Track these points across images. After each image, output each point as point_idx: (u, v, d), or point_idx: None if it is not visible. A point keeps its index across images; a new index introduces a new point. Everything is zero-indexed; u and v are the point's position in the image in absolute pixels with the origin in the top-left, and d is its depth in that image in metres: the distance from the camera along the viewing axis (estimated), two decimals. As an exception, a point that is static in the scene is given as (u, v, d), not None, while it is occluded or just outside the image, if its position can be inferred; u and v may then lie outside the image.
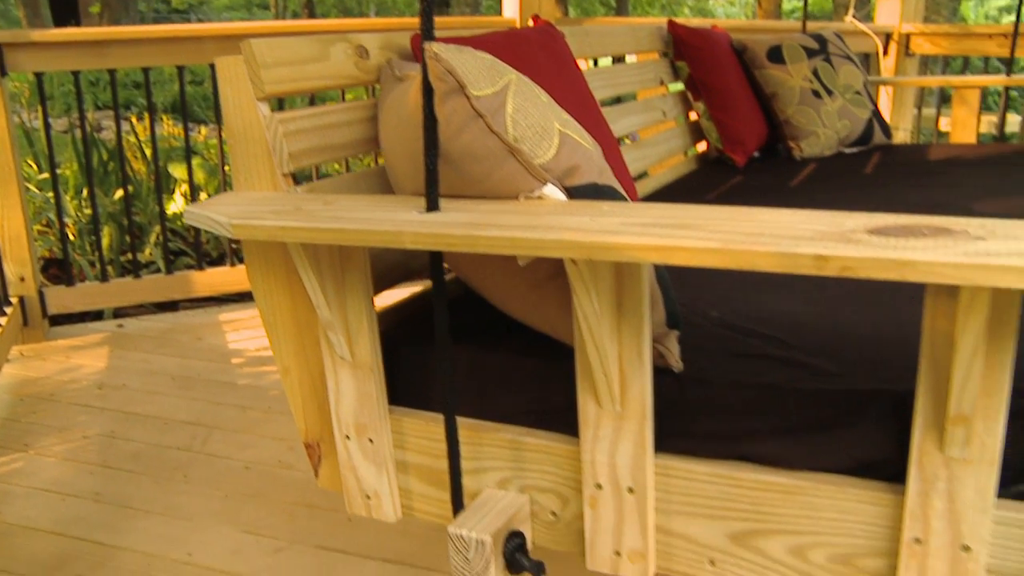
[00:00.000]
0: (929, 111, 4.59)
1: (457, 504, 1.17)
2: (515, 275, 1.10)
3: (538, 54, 1.53)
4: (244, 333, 3.29)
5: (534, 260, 1.06)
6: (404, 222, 0.99)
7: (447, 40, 1.36)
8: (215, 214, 1.12)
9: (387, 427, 1.24)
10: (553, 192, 1.02)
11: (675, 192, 2.30)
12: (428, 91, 1.01)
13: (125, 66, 3.14)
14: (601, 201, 1.03)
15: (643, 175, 2.60)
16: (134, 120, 6.29)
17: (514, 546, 1.11)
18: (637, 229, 0.85)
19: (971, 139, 3.51)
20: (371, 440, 1.25)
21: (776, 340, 1.16)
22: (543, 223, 0.91)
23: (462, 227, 0.93)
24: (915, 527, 0.98)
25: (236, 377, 2.91)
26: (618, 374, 1.02)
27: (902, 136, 4.01)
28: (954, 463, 0.94)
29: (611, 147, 1.57)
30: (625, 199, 1.08)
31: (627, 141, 2.56)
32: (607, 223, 0.89)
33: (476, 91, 1.00)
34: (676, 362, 1.07)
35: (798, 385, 1.05)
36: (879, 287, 1.35)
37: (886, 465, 1.01)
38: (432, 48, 1.00)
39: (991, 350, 0.87)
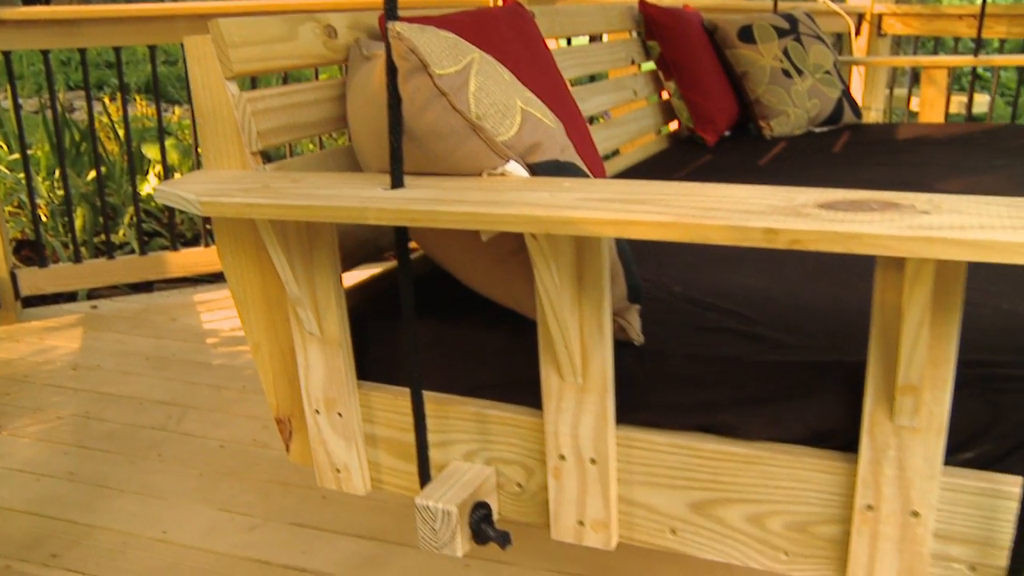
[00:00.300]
0: (901, 91, 4.64)
1: (424, 476, 1.19)
2: (479, 251, 1.12)
3: (506, 33, 1.55)
4: (219, 313, 3.30)
5: (497, 235, 1.08)
6: (369, 198, 1.00)
7: (413, 20, 1.37)
8: (184, 192, 1.13)
9: (356, 401, 1.26)
10: (516, 169, 1.04)
11: (645, 170, 2.32)
12: (392, 70, 1.02)
13: (96, 45, 3.12)
14: (562, 177, 1.04)
15: (614, 153, 2.62)
16: (107, 100, 6.24)
17: (480, 517, 1.13)
18: (594, 204, 0.87)
19: (939, 118, 3.55)
20: (340, 414, 1.27)
21: (736, 314, 1.19)
22: (504, 199, 0.93)
23: (425, 203, 0.95)
24: (867, 494, 1.01)
25: (211, 357, 2.92)
26: (579, 347, 1.04)
27: (874, 116, 4.04)
28: (903, 432, 0.97)
29: (579, 126, 1.58)
30: (587, 175, 1.10)
31: (601, 120, 2.58)
32: (566, 198, 0.91)
33: (439, 70, 1.01)
34: (637, 335, 1.09)
35: (756, 357, 1.07)
36: (839, 263, 1.38)
37: (840, 434, 1.04)
38: (395, 27, 1.02)
39: (937, 321, 0.90)
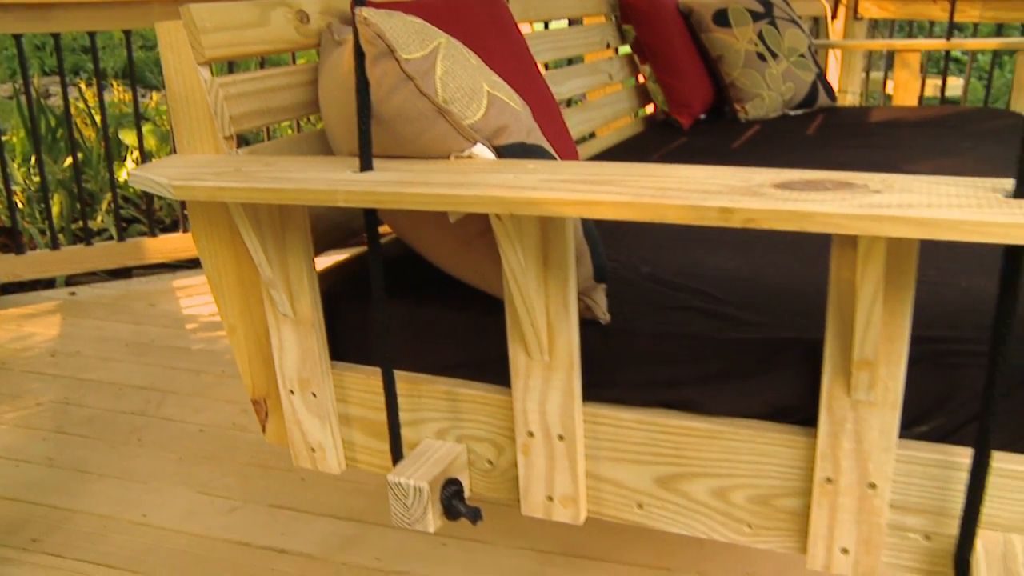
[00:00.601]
0: (877, 74, 4.67)
1: (396, 454, 1.21)
2: (448, 232, 1.14)
3: (477, 17, 1.56)
4: (198, 299, 3.30)
5: (464, 217, 1.10)
6: (338, 181, 1.02)
7: (382, 5, 1.38)
8: (157, 176, 1.15)
9: (329, 381, 1.28)
10: (482, 151, 1.06)
11: (620, 153, 2.35)
12: (360, 55, 1.04)
13: (69, 30, 3.11)
14: (527, 159, 1.06)
15: (590, 136, 2.64)
16: (83, 86, 6.19)
17: (451, 493, 1.15)
18: (556, 185, 0.89)
19: (913, 101, 3.58)
20: (314, 394, 1.28)
21: (702, 293, 1.21)
22: (469, 180, 0.95)
23: (392, 185, 0.97)
24: (826, 467, 1.04)
25: (190, 342, 2.93)
26: (545, 326, 1.06)
27: (850, 99, 4.07)
28: (860, 406, 1.00)
29: (551, 109, 1.60)
30: (553, 157, 1.12)
31: (580, 104, 2.59)
32: (530, 180, 0.93)
33: (406, 55, 1.03)
34: (603, 314, 1.12)
35: (719, 335, 1.10)
36: (805, 242, 1.41)
37: (800, 410, 1.07)
38: (362, 13, 1.03)
39: (890, 298, 0.93)
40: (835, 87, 3.75)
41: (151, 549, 1.87)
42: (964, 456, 1.00)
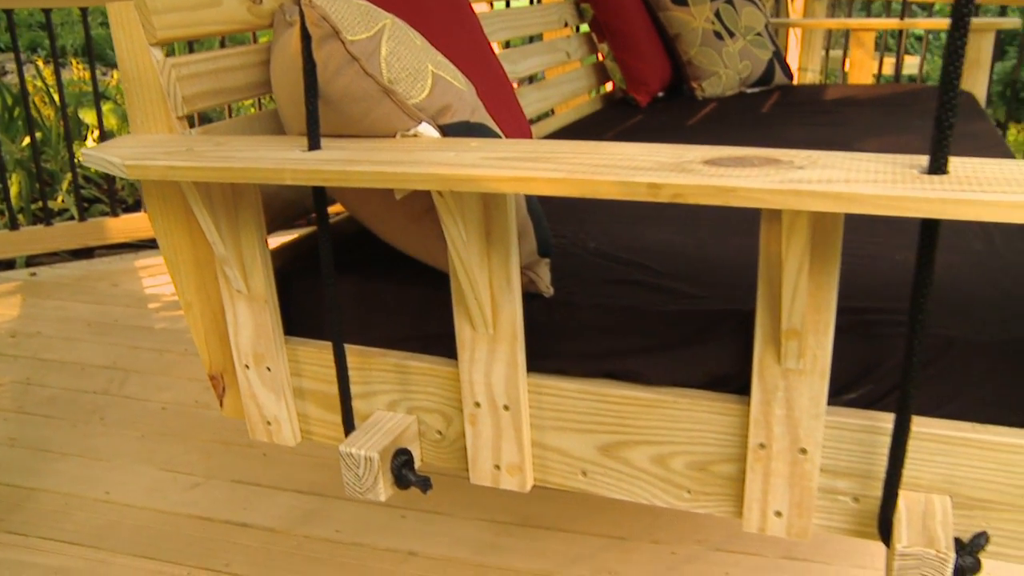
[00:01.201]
0: (837, 52, 4.73)
1: (348, 426, 1.24)
2: (395, 209, 1.17)
3: (430, -3, 1.58)
4: (161, 278, 3.30)
5: (410, 194, 1.13)
6: (286, 160, 1.04)
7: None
8: (110, 155, 1.16)
9: (283, 356, 1.31)
10: (427, 130, 1.09)
11: (576, 131, 2.38)
12: (306, 37, 1.06)
13: (21, 6, 3.08)
14: (471, 138, 1.09)
15: (548, 114, 2.67)
16: (40, 64, 6.11)
17: (401, 463, 1.19)
18: (495, 162, 0.93)
19: (868, 80, 3.64)
20: (269, 369, 1.31)
21: (645, 267, 1.25)
22: (412, 158, 0.98)
23: (337, 163, 0.99)
24: (759, 433, 1.08)
25: (153, 321, 2.94)
26: (489, 299, 1.10)
27: (810, 77, 4.12)
28: (790, 374, 1.04)
29: (502, 87, 1.63)
30: (497, 135, 1.15)
31: (542, 79, 2.62)
32: (471, 157, 0.96)
33: (351, 36, 1.05)
34: (546, 288, 1.15)
35: (659, 308, 1.14)
36: (752, 220, 1.45)
37: (735, 378, 1.11)
38: (308, -7, 1.05)
39: (816, 270, 0.97)
40: (796, 65, 3.80)
41: (114, 525, 1.89)
42: (889, 422, 1.05)
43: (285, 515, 1.91)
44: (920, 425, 1.04)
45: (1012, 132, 5.78)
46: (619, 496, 1.20)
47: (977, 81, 3.16)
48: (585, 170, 0.88)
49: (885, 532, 1.06)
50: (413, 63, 1.09)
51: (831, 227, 0.95)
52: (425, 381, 1.23)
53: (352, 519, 1.88)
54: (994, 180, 0.84)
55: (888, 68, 4.37)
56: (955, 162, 0.89)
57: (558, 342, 1.16)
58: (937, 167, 0.86)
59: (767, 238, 0.98)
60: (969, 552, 1.04)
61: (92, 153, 1.20)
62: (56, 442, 2.23)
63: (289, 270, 1.34)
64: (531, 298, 1.15)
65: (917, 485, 1.06)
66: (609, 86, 2.96)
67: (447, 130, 1.10)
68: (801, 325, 0.99)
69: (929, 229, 0.90)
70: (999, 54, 6.11)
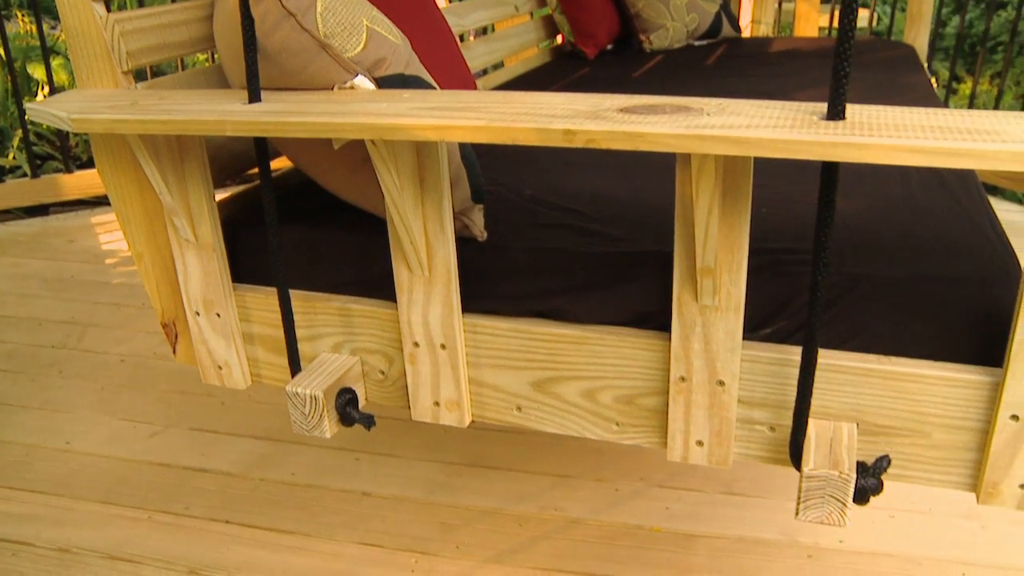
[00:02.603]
0: (789, 5, 4.78)
1: (295, 367, 1.30)
2: (336, 159, 1.22)
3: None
4: (117, 234, 3.32)
5: (348, 144, 1.18)
6: (226, 112, 1.09)
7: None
8: (56, 110, 1.20)
9: (232, 302, 1.36)
10: (363, 82, 1.13)
11: (523, 83, 2.42)
12: (243, -9, 1.10)
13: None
14: (404, 90, 1.14)
15: (498, 66, 2.71)
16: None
17: (345, 401, 1.25)
18: (421, 112, 0.98)
19: (814, 32, 3.71)
20: (218, 315, 1.36)
21: (576, 212, 1.31)
22: (346, 109, 1.03)
23: (276, 115, 1.04)
24: (680, 367, 1.16)
25: (110, 277, 2.96)
26: (424, 243, 1.16)
27: (763, 29, 4.18)
28: (707, 310, 1.11)
29: (445, 41, 1.67)
30: (432, 87, 1.20)
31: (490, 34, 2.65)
32: (400, 108, 1.01)
33: (286, -10, 1.09)
34: (480, 232, 1.21)
35: (587, 249, 1.20)
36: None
37: (658, 316, 1.18)
38: (244, -51, 1.09)
39: (727, 211, 1.03)
40: (749, 17, 3.85)
41: (76, 473, 1.94)
42: (798, 355, 1.13)
43: (242, 460, 1.97)
44: (829, 357, 1.12)
45: (968, 85, 5.87)
46: (552, 430, 1.27)
47: (919, 34, 3.24)
48: (505, 118, 0.93)
49: (796, 458, 1.14)
50: (348, 18, 1.13)
51: (740, 171, 1.01)
52: (367, 323, 1.29)
53: (307, 462, 1.95)
54: (887, 126, 0.91)
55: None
56: (853, 109, 0.96)
57: (492, 284, 1.22)
58: (835, 113, 0.93)
59: (681, 181, 1.04)
60: (872, 474, 1.12)
61: (39, 107, 1.23)
62: (15, 395, 2.27)
63: (236, 219, 1.39)
64: (466, 242, 1.21)
65: (827, 414, 1.14)
66: (559, 39, 3.00)
67: (382, 82, 1.15)
68: (715, 264, 1.06)
69: (829, 171, 0.97)
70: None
